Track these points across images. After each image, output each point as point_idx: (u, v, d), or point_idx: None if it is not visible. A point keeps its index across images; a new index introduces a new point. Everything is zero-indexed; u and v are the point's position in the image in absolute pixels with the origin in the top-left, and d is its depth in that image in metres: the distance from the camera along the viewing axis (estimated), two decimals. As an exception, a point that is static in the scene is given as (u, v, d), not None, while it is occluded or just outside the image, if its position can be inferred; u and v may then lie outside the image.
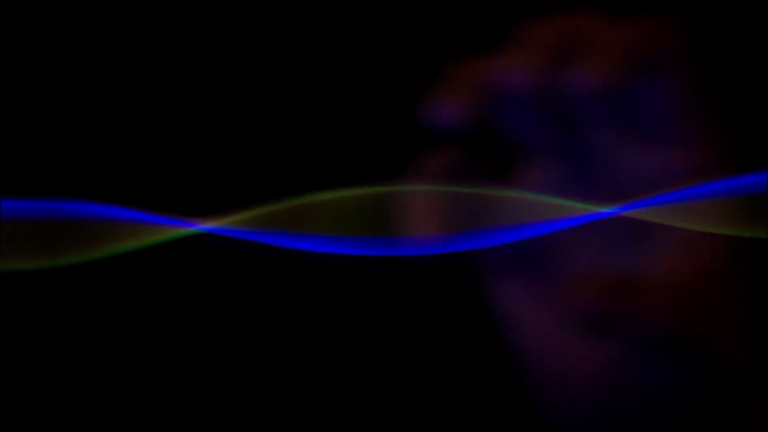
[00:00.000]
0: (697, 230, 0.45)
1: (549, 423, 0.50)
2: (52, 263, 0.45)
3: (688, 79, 0.47)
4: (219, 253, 0.65)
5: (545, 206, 0.44)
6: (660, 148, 0.48)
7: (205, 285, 0.67)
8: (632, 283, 0.43)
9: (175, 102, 0.67)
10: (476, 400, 0.67)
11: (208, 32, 0.67)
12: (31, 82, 0.66)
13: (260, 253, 0.47)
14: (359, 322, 0.67)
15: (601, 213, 0.44)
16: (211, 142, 0.67)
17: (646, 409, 0.47)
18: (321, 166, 0.66)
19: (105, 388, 0.67)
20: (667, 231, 0.46)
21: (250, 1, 0.68)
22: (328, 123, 0.64)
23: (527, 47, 0.46)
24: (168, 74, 0.67)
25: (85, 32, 0.67)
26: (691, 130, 0.47)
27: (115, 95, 0.67)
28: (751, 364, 0.48)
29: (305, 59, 0.67)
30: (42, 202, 0.45)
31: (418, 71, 0.59)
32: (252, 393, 0.68)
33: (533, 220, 0.44)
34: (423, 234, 0.45)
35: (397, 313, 0.67)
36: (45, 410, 0.67)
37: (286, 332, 0.67)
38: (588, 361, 0.47)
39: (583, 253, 0.48)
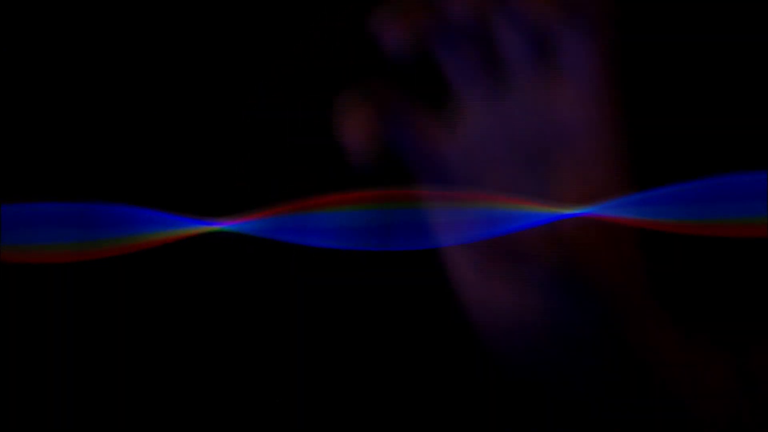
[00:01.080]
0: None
1: (496, 367, 0.52)
2: (84, 257, 0.48)
3: (605, 42, 0.50)
4: (232, 249, 0.66)
5: (511, 208, 0.47)
6: (569, 103, 0.50)
7: (218, 277, 0.67)
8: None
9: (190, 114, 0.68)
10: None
11: (220, 37, 0.67)
12: (62, 93, 0.67)
13: (272, 248, 0.49)
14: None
15: (569, 213, 0.46)
16: (223, 148, 0.68)
17: (563, 346, 0.50)
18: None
19: (124, 379, 0.68)
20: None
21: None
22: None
23: None
24: (177, 87, 0.68)
25: (99, 38, 0.67)
26: (595, 79, 0.50)
27: (142, 112, 0.68)
28: (644, 302, 0.51)
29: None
30: (78, 204, 0.48)
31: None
32: (262, 387, 0.68)
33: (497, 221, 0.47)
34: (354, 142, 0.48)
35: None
36: (76, 401, 0.68)
37: (299, 325, 0.68)
38: (508, 302, 0.50)
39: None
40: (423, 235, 0.47)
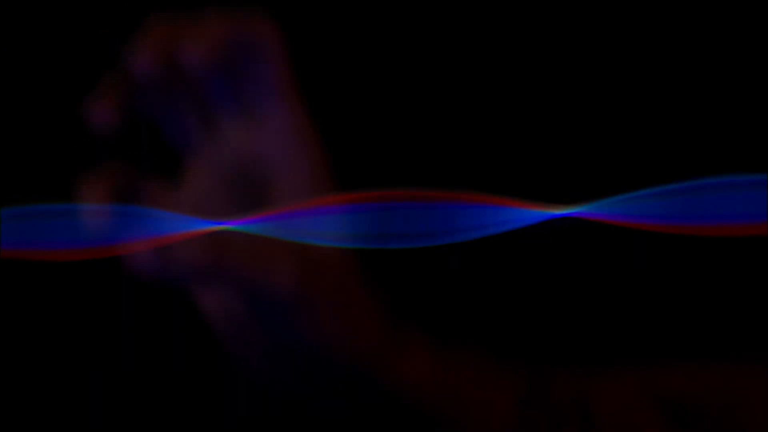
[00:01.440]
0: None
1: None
2: (87, 257, 0.48)
3: (279, 64, 0.51)
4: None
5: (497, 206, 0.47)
6: (264, 125, 0.51)
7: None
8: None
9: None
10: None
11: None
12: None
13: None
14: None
15: (560, 213, 0.46)
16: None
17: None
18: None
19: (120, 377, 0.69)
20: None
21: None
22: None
23: (144, 40, 0.49)
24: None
25: (99, 38, 0.67)
26: (283, 109, 0.51)
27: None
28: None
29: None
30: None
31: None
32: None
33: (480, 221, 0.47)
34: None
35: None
36: (74, 401, 0.68)
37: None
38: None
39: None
40: (422, 235, 0.48)
